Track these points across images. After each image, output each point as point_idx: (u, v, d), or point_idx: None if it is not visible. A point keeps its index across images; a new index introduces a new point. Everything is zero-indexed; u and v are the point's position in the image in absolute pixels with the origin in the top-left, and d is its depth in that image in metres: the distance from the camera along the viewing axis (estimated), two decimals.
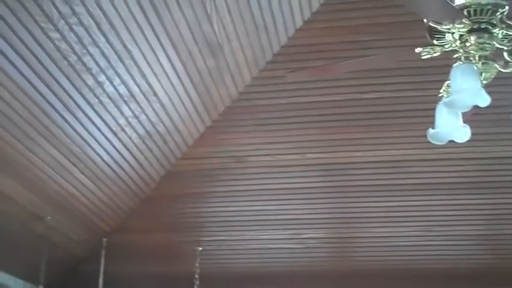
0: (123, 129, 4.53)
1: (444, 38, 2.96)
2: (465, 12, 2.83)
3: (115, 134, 4.55)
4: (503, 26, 2.85)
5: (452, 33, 2.90)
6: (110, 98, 4.17)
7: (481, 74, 2.88)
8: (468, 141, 3.03)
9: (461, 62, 2.89)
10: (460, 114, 3.01)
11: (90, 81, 3.95)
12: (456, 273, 5.87)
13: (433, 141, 3.06)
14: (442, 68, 3.12)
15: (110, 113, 4.30)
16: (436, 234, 5.62)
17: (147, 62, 4.02)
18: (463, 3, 2.84)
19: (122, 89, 4.15)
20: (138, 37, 3.78)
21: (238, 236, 5.86)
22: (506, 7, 2.80)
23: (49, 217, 5.07)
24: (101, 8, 3.46)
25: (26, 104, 3.87)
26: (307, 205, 5.50)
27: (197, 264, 5.97)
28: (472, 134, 3.00)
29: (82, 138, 4.41)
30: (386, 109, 4.70)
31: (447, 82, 3.04)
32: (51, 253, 5.37)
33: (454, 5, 2.82)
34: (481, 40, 2.87)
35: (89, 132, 4.40)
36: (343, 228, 5.77)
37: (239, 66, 4.47)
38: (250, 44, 4.31)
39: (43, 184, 4.69)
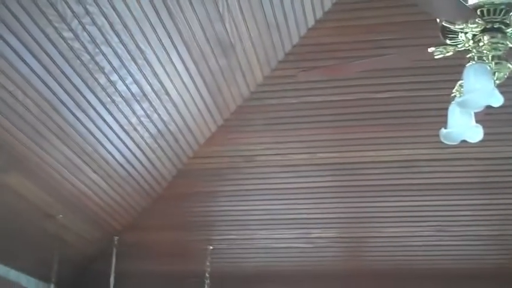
0: (135, 128, 4.55)
1: (457, 37, 2.95)
2: (478, 12, 2.82)
3: (127, 133, 4.56)
4: None
5: (466, 32, 2.89)
6: (122, 97, 4.18)
7: (494, 73, 2.86)
8: (480, 141, 3.02)
9: (474, 62, 2.88)
10: (473, 114, 3.00)
11: (102, 80, 3.96)
12: (468, 273, 5.85)
13: (445, 141, 3.05)
14: (454, 67, 3.12)
15: (122, 112, 4.32)
16: (448, 234, 5.61)
17: (160, 62, 4.03)
18: (476, 3, 2.83)
19: (134, 88, 4.16)
20: (150, 37, 3.79)
21: (248, 235, 5.86)
22: None
23: (61, 216, 5.09)
24: (114, 8, 3.47)
25: (39, 103, 3.89)
26: (318, 204, 5.50)
27: (208, 263, 5.98)
28: (485, 133, 2.98)
29: (94, 137, 4.43)
30: (399, 109, 4.69)
31: (460, 82, 3.03)
32: (63, 251, 5.39)
33: (467, 4, 2.81)
34: (494, 40, 2.85)
35: (101, 131, 4.41)
36: (354, 228, 5.76)
37: (251, 66, 4.47)
38: (262, 43, 4.31)
39: (55, 183, 4.71)
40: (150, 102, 4.35)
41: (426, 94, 4.56)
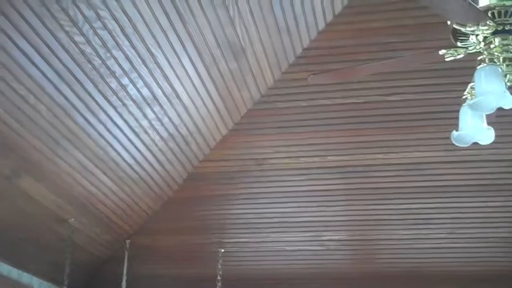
0: (146, 132, 4.56)
1: (468, 40, 2.95)
2: (489, 14, 2.82)
3: (138, 137, 4.58)
4: None
5: (477, 35, 2.89)
6: (133, 100, 4.20)
7: (505, 76, 2.86)
8: (492, 143, 3.02)
9: (485, 64, 2.87)
10: (484, 117, 3.00)
11: (113, 84, 3.98)
12: (479, 276, 5.84)
13: (456, 144, 3.05)
14: (466, 70, 3.12)
15: (133, 115, 4.33)
16: (459, 236, 5.59)
17: (170, 65, 4.05)
18: (487, 5, 2.83)
19: (145, 92, 4.17)
20: (161, 40, 3.80)
21: (259, 238, 5.86)
22: None
23: (73, 219, 5.11)
24: (125, 12, 3.49)
25: (50, 107, 3.92)
26: (328, 207, 5.49)
27: (219, 266, 5.99)
28: (496, 136, 2.98)
29: (106, 140, 4.45)
30: (410, 111, 4.68)
31: (471, 84, 3.02)
32: (75, 255, 5.41)
33: (478, 7, 2.81)
34: (505, 42, 2.85)
35: (113, 135, 4.43)
36: (364, 230, 5.75)
37: (261, 69, 4.48)
38: (273, 47, 4.32)
39: (67, 186, 4.73)
40: (161, 106, 4.37)
41: (437, 97, 4.55)
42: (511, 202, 5.27)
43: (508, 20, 2.83)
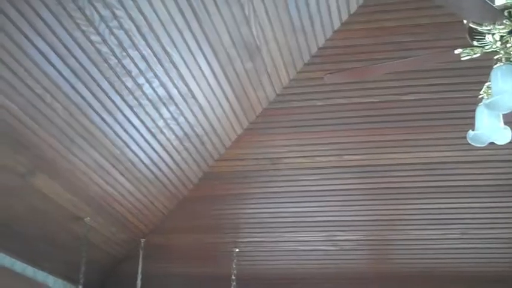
0: (161, 131, 4.58)
1: (484, 39, 2.94)
2: (506, 13, 2.80)
3: (154, 136, 4.59)
4: None
5: (493, 34, 2.88)
6: (149, 100, 4.21)
7: None
8: (508, 143, 3.00)
9: (501, 63, 2.86)
10: (501, 116, 2.98)
11: (129, 83, 4.00)
12: (493, 276, 5.80)
13: (473, 143, 3.04)
14: (482, 69, 3.10)
15: (149, 115, 4.35)
16: (475, 237, 5.56)
17: (186, 65, 4.06)
18: (504, 4, 2.82)
19: (161, 91, 4.19)
20: (177, 40, 3.82)
21: (274, 238, 5.86)
22: None
23: (88, 218, 5.14)
24: (141, 12, 3.50)
25: (67, 106, 3.94)
26: (343, 207, 5.49)
27: (234, 266, 5.99)
28: None
29: (121, 140, 4.47)
30: (426, 111, 4.67)
31: (487, 83, 3.01)
32: (91, 253, 5.43)
33: (494, 5, 2.79)
34: None
35: (128, 134, 4.45)
36: (379, 230, 5.74)
37: (277, 68, 4.48)
38: (288, 46, 4.32)
39: (83, 185, 4.75)
40: (177, 105, 4.38)
41: (453, 96, 4.54)
42: None
43: None
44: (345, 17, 4.28)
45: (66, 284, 5.71)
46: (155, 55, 3.86)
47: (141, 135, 4.51)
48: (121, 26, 3.55)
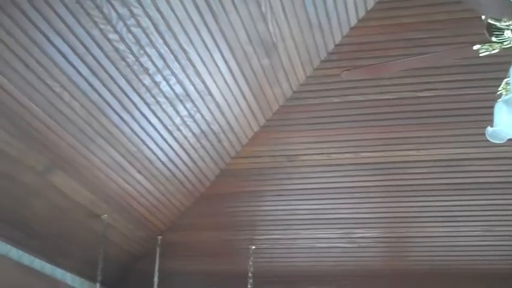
0: (178, 129, 4.59)
1: (503, 34, 2.92)
2: None
3: (171, 133, 4.60)
4: None
5: None
6: (166, 97, 4.23)
7: None
8: None
9: None
10: None
11: (147, 81, 4.01)
12: None
13: (491, 140, 3.03)
14: (500, 65, 3.09)
15: (166, 112, 4.36)
16: (493, 234, 5.53)
17: (203, 62, 4.06)
18: None
19: (178, 89, 4.20)
20: (194, 37, 3.82)
21: (291, 235, 5.85)
22: None
23: (106, 215, 5.16)
24: (158, 10, 3.51)
25: (85, 104, 3.96)
26: (361, 204, 5.47)
27: (250, 263, 5.99)
28: None
29: (139, 137, 4.48)
30: (443, 107, 4.65)
31: (506, 80, 3.00)
32: (108, 251, 5.46)
33: None
34: None
35: (146, 132, 4.46)
36: (397, 227, 5.71)
37: (293, 65, 4.48)
38: (305, 43, 4.32)
39: (100, 183, 4.77)
40: (194, 103, 4.39)
41: (471, 92, 4.51)
42: None
43: None
44: (361, 13, 4.27)
45: (84, 282, 5.74)
46: (172, 53, 3.87)
47: (158, 132, 4.53)
48: (138, 24, 3.56)
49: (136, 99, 4.11)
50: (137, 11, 3.46)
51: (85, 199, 4.87)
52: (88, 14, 3.35)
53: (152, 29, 3.63)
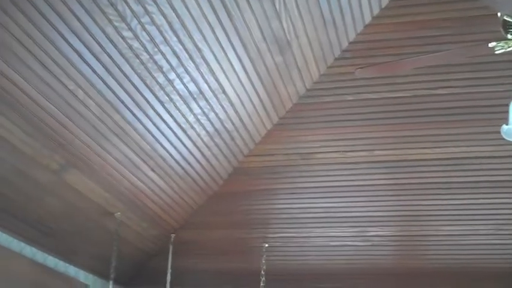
0: (192, 127, 4.59)
1: None
2: None
3: (184, 131, 4.61)
4: None
5: None
6: (179, 95, 4.23)
7: None
8: None
9: None
10: None
11: (161, 79, 4.01)
12: None
13: (507, 138, 3.01)
14: None
15: (179, 110, 4.36)
16: (507, 232, 5.50)
17: (217, 60, 4.06)
18: None
19: (192, 87, 4.20)
20: (208, 35, 3.82)
21: (304, 233, 5.85)
22: None
23: (119, 213, 5.17)
24: (172, 7, 3.51)
25: (99, 102, 3.96)
26: (374, 202, 5.46)
27: (263, 261, 5.99)
28: None
29: (152, 135, 4.49)
30: (457, 105, 4.63)
31: None
32: (121, 248, 5.47)
33: None
34: None
35: (159, 130, 4.47)
36: (410, 226, 5.70)
37: (307, 63, 4.47)
38: (319, 40, 4.31)
39: (114, 181, 4.78)
40: (207, 101, 4.39)
41: (486, 90, 4.49)
42: None
43: None
44: (376, 11, 4.26)
45: (97, 279, 5.76)
46: (186, 51, 3.87)
47: (172, 130, 4.53)
48: (153, 22, 3.56)
49: (150, 97, 4.12)
50: (152, 8, 3.47)
51: (99, 197, 4.88)
52: (103, 11, 3.36)
53: (167, 26, 3.63)
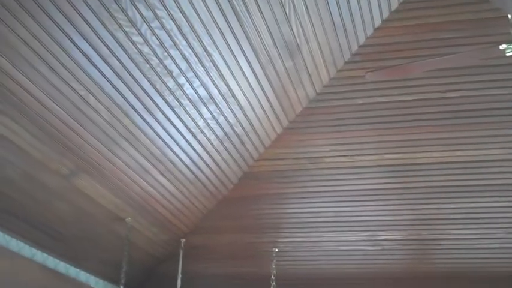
0: (202, 131, 4.59)
1: None
2: None
3: (194, 136, 4.60)
4: None
5: None
6: (189, 100, 4.23)
7: None
8: None
9: None
10: None
11: (171, 83, 4.01)
12: None
13: None
14: None
15: (189, 115, 4.36)
16: None
17: (227, 65, 4.06)
18: None
19: (202, 91, 4.20)
20: (218, 39, 3.82)
21: (314, 238, 5.83)
22: None
23: (130, 218, 5.17)
24: (182, 12, 3.51)
25: (109, 107, 3.97)
26: (384, 206, 5.44)
27: (273, 266, 5.98)
28: None
29: (162, 140, 4.49)
30: (469, 108, 4.61)
31: None
32: (132, 253, 5.47)
33: None
34: None
35: (169, 134, 4.47)
36: (420, 230, 5.68)
37: (317, 67, 4.47)
38: (328, 44, 4.30)
39: (124, 186, 4.78)
40: (217, 105, 4.39)
41: (497, 93, 4.47)
42: None
43: None
44: (386, 14, 4.25)
45: (107, 284, 5.76)
46: (196, 55, 3.87)
47: (182, 135, 4.53)
48: (163, 27, 3.56)
49: (160, 101, 4.12)
50: (161, 13, 3.47)
51: (109, 202, 4.88)
52: (113, 16, 3.36)
53: (176, 31, 3.63)
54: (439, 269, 5.94)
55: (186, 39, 3.72)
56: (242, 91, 4.37)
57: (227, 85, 4.24)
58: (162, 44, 3.68)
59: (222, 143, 4.83)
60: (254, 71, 4.23)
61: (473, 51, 3.50)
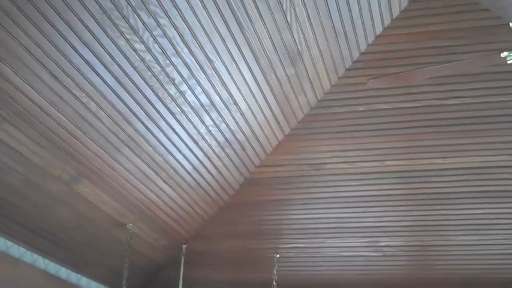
0: (203, 138, 4.60)
1: None
2: None
3: (196, 143, 4.61)
4: None
5: None
6: (191, 107, 4.23)
7: None
8: None
9: None
10: None
11: (172, 90, 4.02)
12: None
13: None
14: None
15: (191, 121, 4.37)
16: None
17: (228, 72, 4.07)
18: None
19: (203, 98, 4.20)
20: (219, 47, 3.83)
21: (316, 244, 5.83)
22: None
23: (131, 224, 5.17)
24: (184, 20, 3.52)
25: (111, 114, 3.97)
26: (386, 212, 5.44)
27: (275, 272, 5.98)
28: None
29: (164, 147, 4.49)
30: (470, 115, 4.62)
31: None
32: (133, 259, 5.47)
33: None
34: None
35: (171, 141, 4.47)
36: (423, 236, 5.68)
37: (318, 74, 4.47)
38: (330, 51, 4.31)
39: (126, 192, 4.79)
40: (219, 112, 4.39)
41: (497, 100, 4.48)
42: None
43: None
44: (387, 21, 4.26)
45: None
46: (198, 62, 3.88)
47: (184, 142, 4.53)
48: (164, 34, 3.57)
49: (162, 108, 4.12)
50: (163, 21, 3.48)
51: (110, 208, 4.89)
52: (115, 24, 3.37)
53: (178, 39, 3.64)
54: (441, 275, 5.94)
55: (188, 47, 3.73)
56: (244, 98, 4.38)
57: (229, 92, 4.25)
58: (164, 51, 3.69)
59: (223, 149, 4.83)
60: (255, 78, 4.24)
61: (474, 59, 3.51)
